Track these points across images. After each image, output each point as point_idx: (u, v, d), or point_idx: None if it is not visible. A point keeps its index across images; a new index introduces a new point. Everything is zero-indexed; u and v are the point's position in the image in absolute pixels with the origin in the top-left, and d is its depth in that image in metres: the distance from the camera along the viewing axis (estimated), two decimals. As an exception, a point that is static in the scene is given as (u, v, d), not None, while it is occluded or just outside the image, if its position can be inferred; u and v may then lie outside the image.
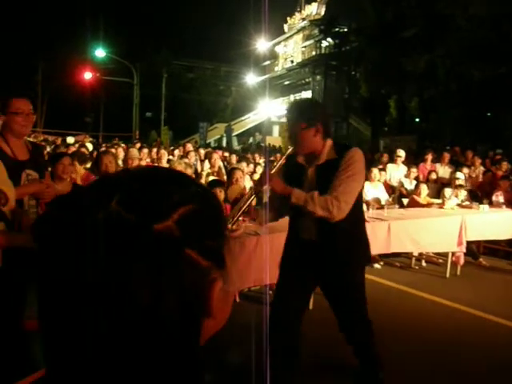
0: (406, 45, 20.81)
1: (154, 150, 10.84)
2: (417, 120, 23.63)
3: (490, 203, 7.11)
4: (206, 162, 8.85)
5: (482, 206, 6.67)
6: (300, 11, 41.11)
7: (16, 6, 30.99)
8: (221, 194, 5.08)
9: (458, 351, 4.03)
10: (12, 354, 2.46)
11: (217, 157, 8.12)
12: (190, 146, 11.53)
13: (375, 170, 7.28)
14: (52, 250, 0.52)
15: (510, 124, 18.51)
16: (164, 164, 8.00)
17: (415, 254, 6.59)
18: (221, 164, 8.32)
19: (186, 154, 9.64)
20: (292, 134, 2.64)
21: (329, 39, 31.86)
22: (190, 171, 6.20)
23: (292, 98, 38.16)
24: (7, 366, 2.40)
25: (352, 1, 26.27)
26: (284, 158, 2.75)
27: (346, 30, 28.99)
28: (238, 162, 8.68)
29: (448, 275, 6.25)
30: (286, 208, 2.84)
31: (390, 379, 3.50)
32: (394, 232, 5.26)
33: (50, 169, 3.69)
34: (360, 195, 2.71)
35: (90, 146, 12.08)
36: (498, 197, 7.46)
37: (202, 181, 7.05)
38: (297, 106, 2.78)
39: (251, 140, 35.80)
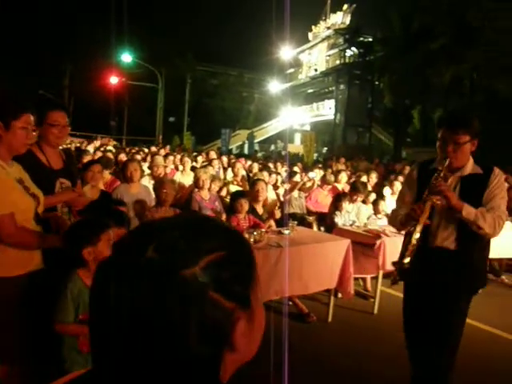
0: (431, 56, 20.67)
1: (178, 156, 10.95)
2: (440, 132, 23.38)
3: (515, 220, 7.01)
4: (229, 170, 8.93)
5: (507, 222, 6.59)
6: (325, 20, 41.12)
7: (43, 9, 31.69)
8: (245, 204, 5.12)
9: (478, 370, 4.00)
10: (43, 356, 2.55)
11: (240, 166, 8.20)
12: (213, 154, 11.63)
13: (397, 183, 7.26)
14: (106, 288, 0.63)
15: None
16: (188, 171, 8.10)
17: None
18: (244, 173, 8.39)
19: (209, 162, 9.74)
20: (455, 145, 2.64)
21: (353, 48, 31.80)
22: (217, 184, 6.26)
23: (315, 106, 38.11)
24: (38, 368, 2.49)
25: (378, 11, 26.23)
26: (445, 166, 2.65)
27: (370, 39, 28.93)
28: (260, 171, 8.73)
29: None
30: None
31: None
32: (415, 247, 5.25)
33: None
34: None
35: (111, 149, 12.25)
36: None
37: (225, 190, 7.13)
38: (464, 118, 2.73)
39: (272, 147, 35.85)
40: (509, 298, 6.24)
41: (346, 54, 33.98)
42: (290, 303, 5.07)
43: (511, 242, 6.38)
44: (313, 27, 43.18)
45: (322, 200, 7.16)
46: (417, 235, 2.57)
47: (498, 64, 17.92)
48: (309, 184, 7.74)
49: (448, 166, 2.65)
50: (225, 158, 12.05)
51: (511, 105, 18.02)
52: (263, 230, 4.67)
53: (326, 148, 33.85)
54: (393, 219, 3.06)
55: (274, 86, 41.01)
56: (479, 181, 2.68)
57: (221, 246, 0.66)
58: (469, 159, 2.72)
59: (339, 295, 5.24)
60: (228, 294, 0.65)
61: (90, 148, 14.71)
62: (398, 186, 7.29)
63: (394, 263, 2.84)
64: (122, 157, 9.93)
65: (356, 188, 6.41)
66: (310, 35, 43.37)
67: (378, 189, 7.96)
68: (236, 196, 5.32)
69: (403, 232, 3.00)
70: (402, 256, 2.66)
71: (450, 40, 19.88)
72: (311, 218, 6.90)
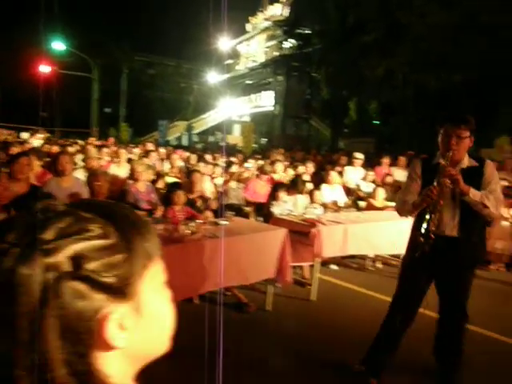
0: (365, 49, 21.21)
1: (114, 148, 10.65)
2: (376, 123, 24.13)
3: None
4: (167, 162, 8.78)
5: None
6: (263, 11, 41.20)
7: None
8: (182, 196, 5.05)
9: (410, 348, 4.15)
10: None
11: (177, 157, 8.08)
12: (150, 146, 11.40)
13: (333, 173, 7.41)
14: None
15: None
16: (123, 163, 7.89)
17: (371, 255, 6.75)
18: (181, 164, 8.27)
19: (146, 154, 9.53)
20: (459, 139, 3.04)
21: (292, 40, 32.08)
22: (150, 173, 6.12)
23: (254, 97, 38.18)
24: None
25: (316, 3, 26.52)
26: (450, 156, 3.04)
27: (308, 32, 29.27)
28: (197, 162, 8.65)
29: (402, 276, 6.43)
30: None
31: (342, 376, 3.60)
32: (350, 235, 5.38)
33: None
34: None
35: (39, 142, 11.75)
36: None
37: (162, 181, 7.00)
38: (465, 116, 3.12)
39: (211, 139, 35.65)
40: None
41: (285, 46, 34.21)
42: (229, 294, 5.07)
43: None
44: (251, 18, 43.18)
45: (260, 190, 7.19)
46: (435, 212, 3.03)
47: (427, 59, 18.63)
48: (246, 174, 7.74)
49: (451, 157, 3.03)
50: (162, 150, 11.85)
51: (440, 97, 18.83)
52: (200, 221, 4.62)
53: (265, 139, 34.03)
54: (401, 206, 3.48)
55: (213, 77, 40.68)
56: (476, 172, 3.11)
57: (96, 234, 0.59)
58: (465, 154, 3.14)
59: (278, 284, 5.28)
60: (97, 284, 0.58)
61: (26, 135, 14.07)
62: (334, 175, 7.44)
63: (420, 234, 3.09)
64: (55, 149, 9.53)
65: (295, 185, 6.47)
66: (249, 26, 43.35)
67: (315, 179, 8.09)
68: (172, 187, 5.24)
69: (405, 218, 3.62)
70: (428, 228, 3.03)
71: (382, 35, 20.47)
72: (249, 209, 6.91)
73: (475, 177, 3.09)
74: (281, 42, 34.77)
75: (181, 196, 5.08)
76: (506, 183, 8.14)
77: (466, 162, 3.16)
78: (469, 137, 3.07)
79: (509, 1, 15.25)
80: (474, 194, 3.01)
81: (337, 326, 4.67)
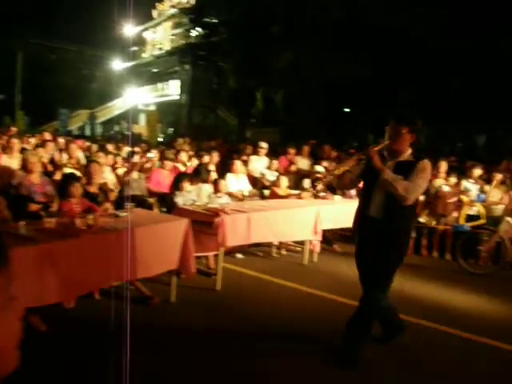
0: (271, 40, 21.47)
1: (5, 138, 9.90)
2: (282, 113, 24.56)
3: (344, 194, 7.63)
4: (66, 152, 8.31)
5: (336, 196, 7.14)
6: (170, -2, 40.32)
7: None
8: (78, 188, 4.80)
9: (314, 333, 4.29)
10: None
11: (75, 147, 7.67)
12: (47, 135, 10.74)
13: (238, 162, 7.43)
14: None
15: (365, 120, 20.08)
16: (16, 154, 7.34)
17: (275, 243, 6.87)
18: (80, 155, 7.88)
19: (42, 144, 8.96)
20: (396, 132, 3.49)
21: (198, 29, 31.69)
22: (38, 165, 5.70)
23: (160, 86, 37.37)
24: None
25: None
26: (383, 145, 3.54)
27: (215, 21, 29.05)
28: (96, 152, 8.28)
29: (306, 262, 6.62)
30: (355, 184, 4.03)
31: (254, 363, 3.63)
32: (254, 223, 5.42)
33: None
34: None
35: None
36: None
37: (60, 173, 6.62)
38: (406, 116, 3.60)
39: (116, 128, 34.42)
40: (340, 265, 6.78)
41: (192, 34, 33.73)
42: (132, 287, 4.91)
43: (341, 214, 6.96)
44: (158, 4, 42.08)
45: (164, 180, 7.05)
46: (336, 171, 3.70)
47: (331, 52, 19.26)
48: (149, 165, 7.56)
49: (387, 146, 3.55)
50: (61, 140, 11.21)
51: (345, 90, 19.59)
52: (97, 213, 4.43)
53: (171, 129, 33.46)
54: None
55: (118, 65, 39.24)
56: (410, 165, 3.48)
57: None
58: (407, 150, 3.54)
59: (182, 275, 5.20)
60: None
61: None
62: (238, 165, 7.46)
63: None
64: None
65: (199, 174, 6.41)
66: (155, 13, 42.23)
67: (220, 168, 8.09)
68: (68, 179, 4.97)
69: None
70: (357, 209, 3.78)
71: (289, 26, 20.82)
72: (152, 200, 6.75)
73: (407, 169, 3.46)
74: (187, 30, 34.23)
75: (78, 188, 4.84)
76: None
77: (406, 156, 3.54)
78: (407, 132, 3.47)
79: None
80: (387, 174, 3.42)
81: (243, 315, 4.70)
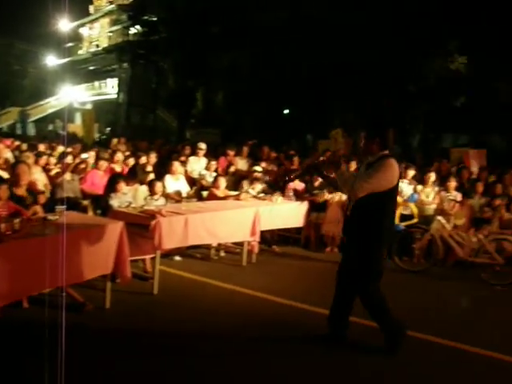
0: (212, 40, 21.36)
1: None
2: (223, 114, 24.50)
3: (283, 195, 7.69)
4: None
5: (275, 197, 7.17)
6: (107, -7, 39.25)
7: None
8: (5, 190, 4.55)
9: (253, 334, 4.28)
10: None
11: (2, 147, 7.28)
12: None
13: (176, 163, 7.32)
14: None
15: (304, 122, 20.37)
16: None
17: (214, 244, 6.81)
18: (9, 155, 7.49)
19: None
20: (362, 138, 3.96)
21: (137, 27, 30.99)
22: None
23: (97, 84, 36.34)
24: None
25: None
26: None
27: (155, 19, 28.50)
28: (28, 152, 7.90)
29: (245, 263, 6.61)
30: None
31: (193, 366, 3.57)
32: (191, 225, 5.35)
33: None
34: (387, 198, 3.86)
35: None
36: (290, 189, 8.12)
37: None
38: (372, 125, 4.05)
39: (51, 127, 33.08)
40: (279, 266, 6.84)
41: (130, 32, 32.96)
42: (64, 294, 4.70)
43: (281, 215, 7.02)
44: (94, 0, 40.89)
45: (99, 181, 6.81)
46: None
47: (272, 54, 19.41)
48: (83, 165, 7.29)
49: (359, 150, 4.11)
50: (-12, 139, 10.64)
51: (283, 91, 19.77)
52: (25, 217, 4.21)
53: (109, 128, 32.56)
54: None
55: (52, 61, 37.79)
56: (371, 164, 3.85)
57: None
58: (375, 153, 3.89)
59: (117, 280, 5.04)
60: None
61: None
62: (177, 166, 7.34)
63: None
64: None
65: (134, 175, 6.25)
66: (92, 8, 41.00)
67: (159, 169, 7.94)
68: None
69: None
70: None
71: (228, 27, 20.79)
72: (86, 202, 6.52)
73: (369, 167, 3.87)
74: (126, 28, 33.39)
75: (4, 190, 4.59)
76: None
77: (371, 159, 3.91)
78: (373, 139, 3.88)
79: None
80: (338, 174, 3.95)
81: (180, 318, 4.62)
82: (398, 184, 3.96)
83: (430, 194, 7.77)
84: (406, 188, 7.88)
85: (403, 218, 7.67)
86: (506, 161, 13.17)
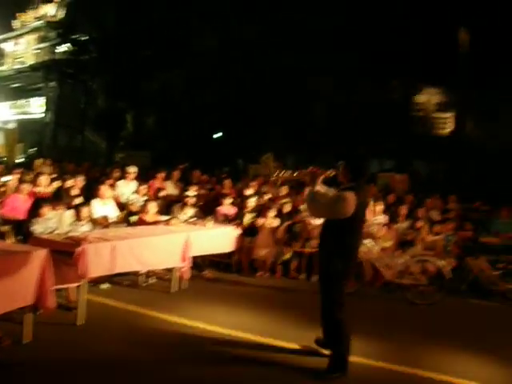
0: (144, 62, 21.19)
1: None
2: (154, 137, 24.22)
3: (214, 219, 7.67)
4: None
5: (206, 222, 7.13)
6: (35, 9, 37.94)
7: None
8: None
9: (184, 363, 4.17)
10: None
11: None
12: None
13: (104, 187, 7.11)
14: None
15: (235, 146, 20.55)
16: None
17: (143, 271, 6.64)
18: None
19: None
20: (342, 169, 4.32)
21: (66, 45, 30.17)
22: None
23: (22, 102, 34.80)
24: None
25: (94, 10, 25.45)
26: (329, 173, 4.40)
27: (85, 38, 27.91)
28: None
29: (175, 290, 6.47)
30: None
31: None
32: (119, 252, 5.18)
33: None
34: (354, 220, 4.15)
35: None
36: (221, 214, 8.12)
37: None
38: (347, 159, 4.40)
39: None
40: (210, 292, 6.75)
41: (58, 50, 32.02)
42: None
43: (213, 240, 6.98)
44: (19, 15, 39.40)
45: (20, 206, 6.47)
46: None
47: (202, 76, 19.51)
48: (2, 189, 6.92)
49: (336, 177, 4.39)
50: None
51: (215, 114, 19.89)
52: None
53: (34, 149, 31.19)
54: None
55: (-29, 77, 35.83)
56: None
57: None
58: (346, 178, 4.30)
59: (39, 311, 4.76)
60: None
61: None
62: (105, 189, 7.12)
63: None
64: None
65: (59, 198, 6.00)
66: (17, 23, 39.47)
67: (86, 193, 7.68)
68: None
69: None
70: None
71: (160, 50, 20.74)
72: (6, 227, 6.16)
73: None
74: (54, 46, 32.44)
75: None
76: (268, 195, 8.97)
77: (347, 184, 4.25)
78: (345, 168, 4.29)
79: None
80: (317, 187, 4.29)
81: (106, 350, 4.42)
82: (360, 211, 4.26)
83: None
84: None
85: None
86: (428, 185, 13.97)
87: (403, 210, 8.29)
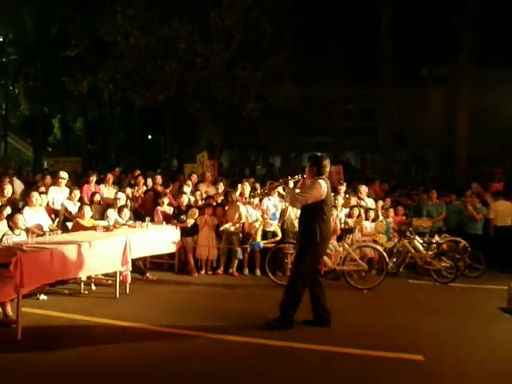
0: (69, 64, 20.42)
1: None
2: (83, 141, 23.48)
3: (153, 220, 7.53)
4: None
5: (145, 224, 6.99)
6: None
7: None
8: None
9: (133, 369, 4.09)
10: None
11: None
12: None
13: (35, 194, 6.81)
14: None
15: (169, 147, 20.34)
16: None
17: (84, 278, 6.43)
18: None
19: None
20: (308, 168, 5.33)
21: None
22: None
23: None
24: None
25: (11, 10, 24.24)
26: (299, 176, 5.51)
27: (1, 40, 26.55)
28: None
29: (118, 295, 6.32)
30: None
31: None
32: (56, 259, 4.97)
33: None
34: (320, 206, 5.10)
35: None
36: (159, 214, 8.00)
37: None
38: (312, 157, 5.35)
39: None
40: (153, 294, 6.65)
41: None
42: None
43: (152, 242, 6.86)
44: None
45: None
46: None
47: (133, 78, 19.05)
48: None
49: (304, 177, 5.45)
50: None
51: (146, 116, 19.56)
52: None
53: None
54: None
55: None
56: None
57: None
58: (313, 176, 5.22)
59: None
60: None
61: None
62: (36, 197, 6.82)
63: None
64: None
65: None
66: None
67: (16, 202, 7.34)
68: None
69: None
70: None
71: (86, 50, 20.06)
72: None
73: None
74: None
75: None
76: (203, 191, 8.95)
77: (310, 181, 5.25)
78: (310, 167, 5.27)
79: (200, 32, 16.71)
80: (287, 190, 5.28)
81: (48, 363, 4.22)
82: (328, 197, 5.21)
83: (297, 211, 8.16)
84: (271, 206, 8.22)
85: (268, 235, 7.97)
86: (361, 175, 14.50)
87: (339, 199, 8.51)
